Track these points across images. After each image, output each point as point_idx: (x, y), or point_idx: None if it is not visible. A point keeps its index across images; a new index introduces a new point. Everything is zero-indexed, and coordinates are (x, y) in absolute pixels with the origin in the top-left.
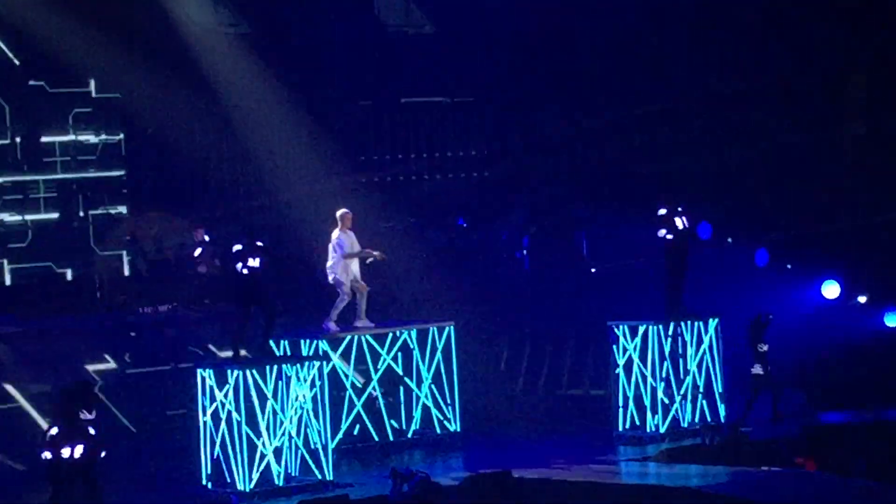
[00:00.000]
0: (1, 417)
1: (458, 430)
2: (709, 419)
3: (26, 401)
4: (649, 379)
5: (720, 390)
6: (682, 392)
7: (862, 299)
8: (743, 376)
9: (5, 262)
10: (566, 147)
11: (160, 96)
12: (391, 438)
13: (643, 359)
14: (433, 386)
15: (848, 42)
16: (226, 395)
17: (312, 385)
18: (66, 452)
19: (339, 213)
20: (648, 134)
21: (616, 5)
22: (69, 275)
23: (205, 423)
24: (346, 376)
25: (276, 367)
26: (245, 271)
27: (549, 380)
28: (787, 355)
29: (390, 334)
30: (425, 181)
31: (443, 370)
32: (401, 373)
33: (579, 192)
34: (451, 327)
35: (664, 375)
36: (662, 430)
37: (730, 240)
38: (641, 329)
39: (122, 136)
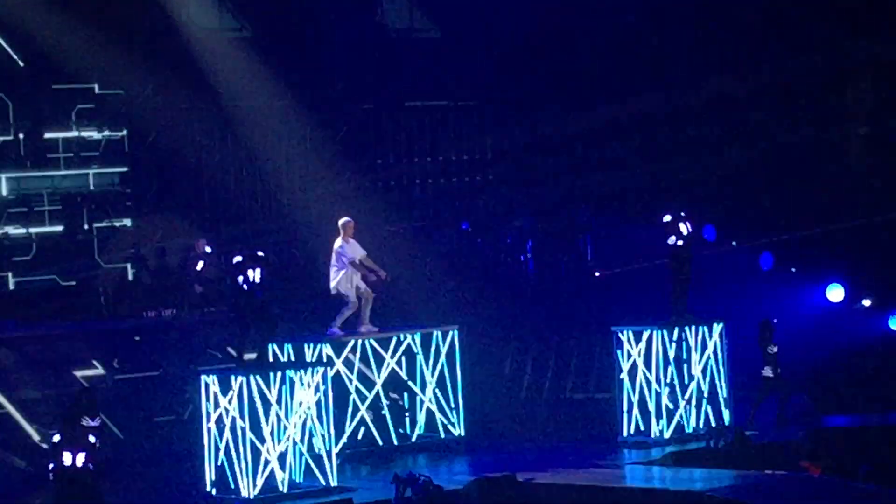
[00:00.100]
0: None
1: (463, 434)
2: (713, 424)
3: (13, 406)
4: (654, 384)
5: (725, 395)
6: (686, 397)
7: (866, 303)
8: (751, 379)
9: (10, 274)
10: (569, 150)
11: (162, 97)
12: (395, 443)
13: (647, 363)
14: (437, 390)
15: (851, 43)
16: (230, 402)
17: (316, 390)
18: (66, 459)
19: (341, 222)
20: (651, 136)
21: (617, 7)
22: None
23: (209, 429)
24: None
25: (279, 372)
26: (245, 286)
27: (553, 384)
28: (792, 359)
29: (394, 338)
30: (428, 185)
31: (447, 374)
32: (405, 377)
33: (582, 194)
34: (455, 331)
35: (669, 380)
36: (667, 435)
37: (734, 243)
38: (646, 333)
39: (125, 132)
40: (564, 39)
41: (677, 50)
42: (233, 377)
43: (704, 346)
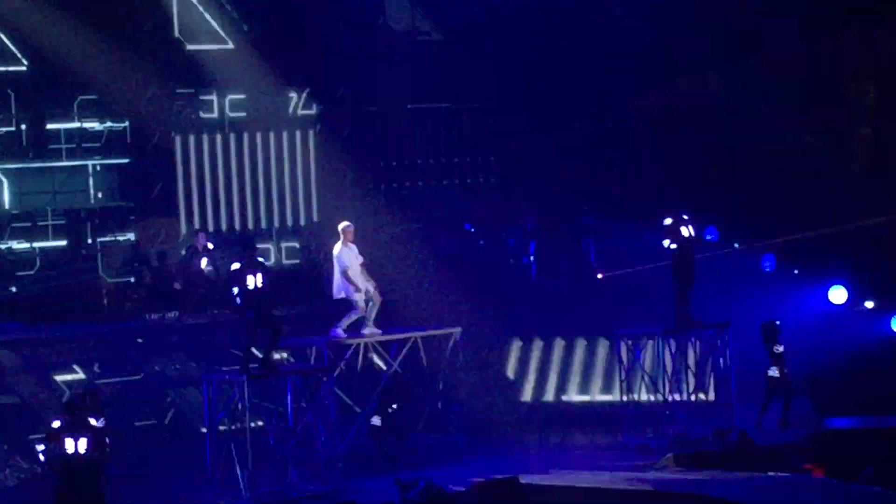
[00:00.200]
0: None
1: (465, 436)
2: (717, 427)
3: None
4: (657, 388)
5: (728, 400)
6: (689, 401)
7: (869, 304)
8: (755, 381)
9: (13, 289)
10: (572, 152)
11: (164, 97)
12: (398, 445)
13: (651, 368)
14: (440, 392)
15: (856, 45)
16: (233, 405)
17: (319, 393)
18: (68, 446)
19: (340, 227)
20: (654, 137)
21: (623, 9)
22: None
23: (212, 432)
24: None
25: (283, 375)
26: (247, 292)
27: (556, 387)
28: (795, 361)
29: (397, 340)
30: (431, 186)
31: (449, 376)
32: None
33: (586, 197)
34: (458, 333)
35: (672, 385)
36: (670, 440)
37: (737, 245)
38: (649, 337)
39: (127, 123)
40: (568, 41)
41: (683, 53)
42: (236, 380)
43: (708, 351)
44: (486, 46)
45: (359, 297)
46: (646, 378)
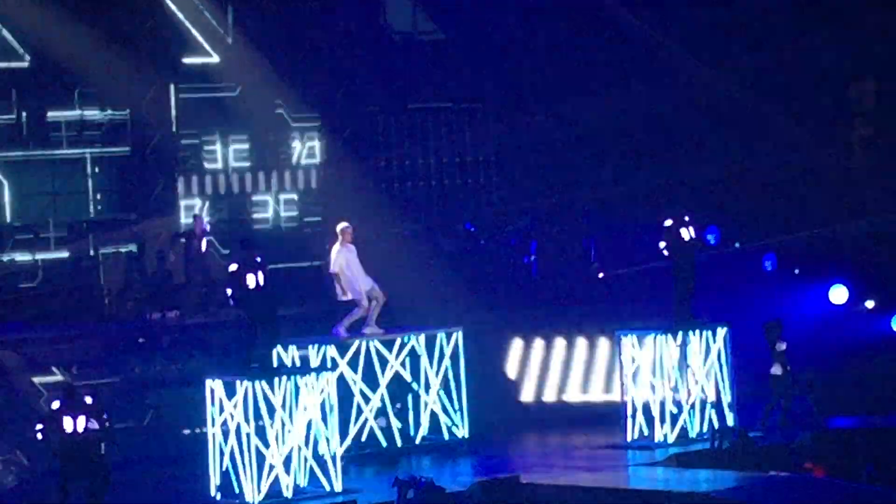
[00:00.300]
0: None
1: (467, 436)
2: (717, 426)
3: None
4: (658, 388)
5: (729, 399)
6: (690, 401)
7: (869, 304)
8: (755, 380)
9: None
10: (573, 150)
11: (166, 100)
12: (399, 445)
13: (651, 368)
14: (441, 392)
15: (855, 45)
16: (235, 407)
17: (321, 394)
18: (67, 425)
19: (339, 228)
20: (656, 137)
21: (622, 9)
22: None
23: (213, 434)
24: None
25: (284, 377)
26: (248, 291)
27: (557, 386)
28: (795, 360)
29: (398, 340)
30: (432, 186)
31: (451, 376)
32: (409, 379)
33: (587, 196)
34: (460, 333)
35: (673, 384)
36: (671, 439)
37: (737, 244)
38: (650, 338)
39: (127, 111)
40: (568, 40)
41: (684, 53)
42: (238, 382)
43: (708, 350)
44: (486, 46)
45: (362, 296)
46: (647, 379)
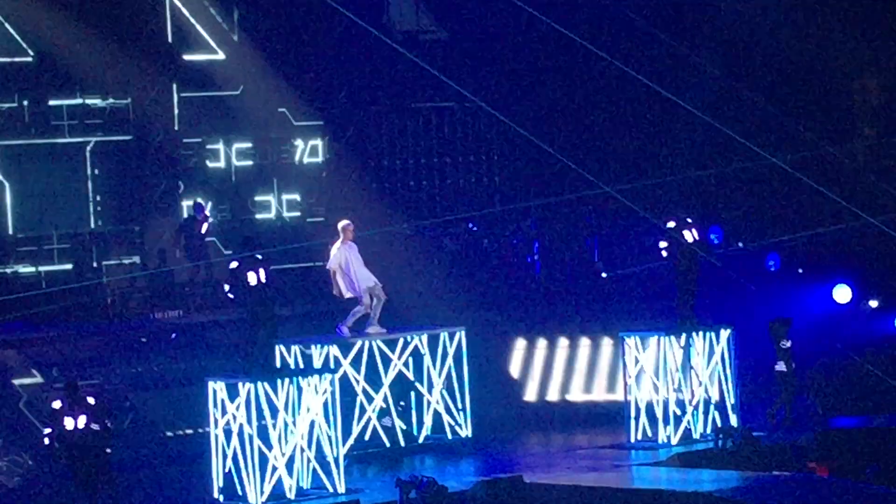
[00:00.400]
0: None
1: (470, 435)
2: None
3: None
4: (661, 389)
5: (732, 400)
6: (693, 402)
7: (873, 303)
8: (758, 380)
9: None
10: (575, 151)
11: (168, 99)
12: (402, 444)
13: (655, 369)
14: (444, 391)
15: (859, 46)
16: (237, 408)
17: (323, 395)
18: (68, 424)
19: (340, 225)
20: (659, 138)
21: (627, 9)
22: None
23: (216, 435)
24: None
25: (287, 379)
26: (249, 288)
27: (560, 386)
28: (799, 359)
29: (401, 340)
30: (435, 185)
31: (454, 375)
32: (412, 378)
33: (590, 196)
34: (463, 332)
35: (676, 386)
36: (675, 441)
37: (741, 244)
38: (653, 339)
39: (129, 100)
40: (571, 41)
41: (689, 54)
42: (240, 384)
43: (712, 352)
44: (488, 46)
45: (362, 294)
46: (650, 380)
